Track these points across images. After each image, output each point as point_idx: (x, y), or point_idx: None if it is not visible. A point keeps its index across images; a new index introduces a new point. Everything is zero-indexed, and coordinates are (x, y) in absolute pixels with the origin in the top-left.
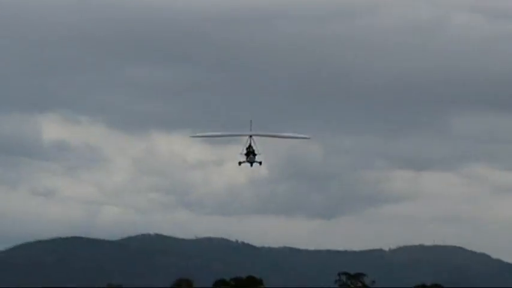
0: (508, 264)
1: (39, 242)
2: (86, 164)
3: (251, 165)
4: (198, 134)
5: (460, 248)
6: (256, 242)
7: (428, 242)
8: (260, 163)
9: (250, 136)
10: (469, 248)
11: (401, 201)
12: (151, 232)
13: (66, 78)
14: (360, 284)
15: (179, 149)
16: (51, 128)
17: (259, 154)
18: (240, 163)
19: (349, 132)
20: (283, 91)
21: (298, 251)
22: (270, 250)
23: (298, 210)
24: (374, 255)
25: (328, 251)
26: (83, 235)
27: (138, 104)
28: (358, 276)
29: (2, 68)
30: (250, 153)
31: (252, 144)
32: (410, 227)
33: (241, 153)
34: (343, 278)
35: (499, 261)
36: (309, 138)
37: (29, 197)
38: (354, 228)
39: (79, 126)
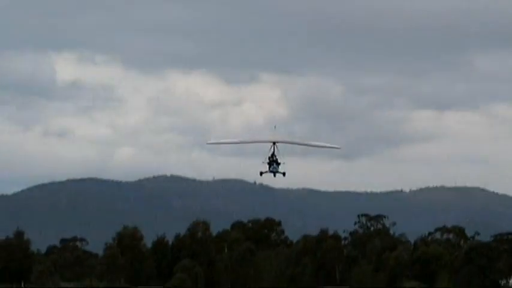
0: None
1: (53, 183)
2: (101, 104)
3: (274, 175)
4: (213, 141)
5: (481, 189)
6: (274, 184)
7: (449, 184)
8: (284, 174)
9: (274, 143)
10: (490, 189)
11: (422, 141)
12: (168, 173)
13: (81, 17)
14: (380, 226)
15: (196, 88)
16: (66, 68)
17: (283, 163)
18: (261, 173)
19: (369, 72)
20: (302, 31)
21: (317, 192)
22: (288, 191)
23: (317, 151)
24: (394, 196)
25: (348, 192)
26: (97, 176)
27: (155, 44)
28: (378, 217)
29: (17, 6)
30: (273, 162)
31: (276, 152)
32: (431, 168)
33: (263, 162)
34: (363, 219)
35: None
36: (339, 148)
37: (42, 137)
38: (374, 169)
39: (94, 66)
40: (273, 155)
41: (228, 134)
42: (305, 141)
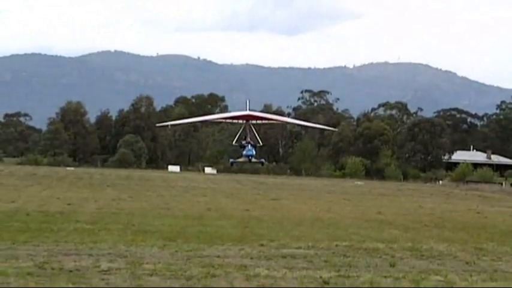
0: (473, 81)
1: None
2: None
3: (250, 160)
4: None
5: (425, 65)
6: (218, 59)
7: (393, 60)
8: (262, 163)
9: (247, 121)
10: (434, 65)
11: (366, 18)
12: (111, 49)
13: None
14: (323, 102)
15: None
16: None
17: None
18: (232, 163)
19: None
20: None
21: (261, 68)
22: (232, 67)
23: (262, 27)
24: (338, 72)
25: (291, 68)
26: (41, 51)
27: None
28: (321, 93)
29: None
30: (247, 144)
31: (249, 134)
32: (375, 44)
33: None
34: (306, 95)
35: (464, 79)
36: (336, 130)
37: None
38: (318, 45)
39: None
40: (245, 137)
41: (171, 9)
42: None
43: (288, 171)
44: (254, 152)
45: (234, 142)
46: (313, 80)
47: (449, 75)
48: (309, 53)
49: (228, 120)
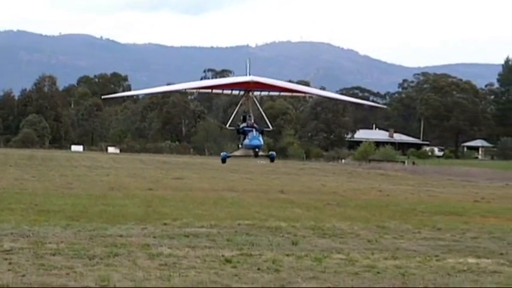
0: (376, 60)
1: None
2: None
3: (256, 154)
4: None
5: (327, 44)
6: (121, 39)
7: (295, 38)
8: (272, 159)
9: (249, 91)
10: (336, 44)
11: None
12: (14, 28)
13: None
14: None
15: None
16: None
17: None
18: (224, 159)
19: None
20: None
21: (164, 47)
22: (134, 46)
23: (164, 7)
24: (241, 51)
25: (194, 48)
26: None
27: None
28: (224, 72)
29: None
30: (250, 129)
31: (251, 110)
32: (278, 23)
33: (227, 127)
34: (209, 74)
35: (366, 58)
36: (386, 108)
37: None
38: (221, 24)
39: None
40: (246, 117)
41: None
42: (331, 94)
43: (191, 150)
44: (262, 141)
45: (227, 125)
46: (216, 59)
47: (352, 54)
48: (211, 32)
49: (222, 91)
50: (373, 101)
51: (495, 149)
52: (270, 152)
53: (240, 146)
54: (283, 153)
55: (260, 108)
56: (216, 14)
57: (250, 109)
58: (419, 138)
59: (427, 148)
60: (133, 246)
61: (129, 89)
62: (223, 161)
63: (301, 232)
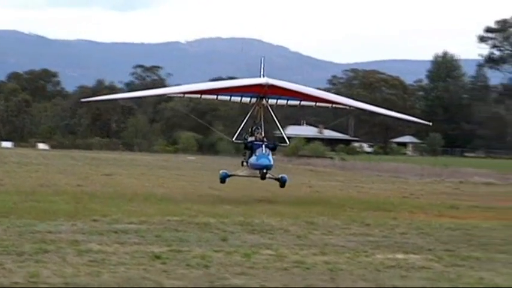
0: (306, 56)
1: None
2: None
3: (263, 176)
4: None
5: (257, 40)
6: (50, 35)
7: (226, 35)
8: (283, 183)
9: (262, 98)
10: (266, 40)
11: None
12: None
13: None
14: (155, 77)
15: None
16: None
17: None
18: (223, 179)
19: None
20: None
21: (93, 43)
22: (64, 42)
23: (94, 3)
24: (171, 47)
25: (124, 44)
26: None
27: None
28: (153, 68)
29: None
30: (257, 144)
31: (260, 119)
32: (208, 19)
33: (234, 141)
34: (139, 70)
35: (297, 54)
36: (430, 125)
37: None
38: (151, 20)
39: None
40: (256, 128)
41: None
42: (372, 108)
43: (121, 146)
44: (271, 160)
45: (234, 138)
46: (146, 56)
47: (282, 50)
48: (142, 28)
49: (230, 97)
50: None
51: (424, 145)
52: (281, 175)
53: (244, 163)
54: (212, 149)
55: (275, 119)
56: (146, 10)
57: (261, 120)
58: (348, 134)
59: (357, 144)
60: (62, 242)
61: (59, 84)
62: (223, 180)
63: (231, 228)
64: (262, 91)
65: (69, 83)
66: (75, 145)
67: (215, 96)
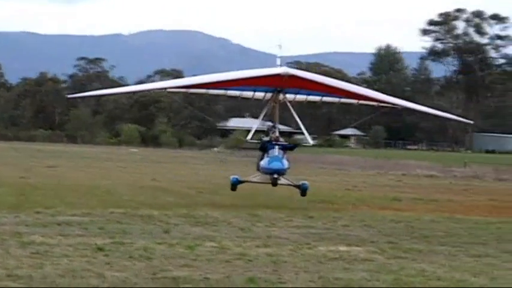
0: (248, 48)
1: None
2: None
3: (274, 182)
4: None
5: (199, 32)
6: None
7: (168, 27)
8: (304, 191)
9: (279, 92)
10: (208, 32)
11: None
12: None
13: None
14: (99, 69)
15: None
16: None
17: (311, 142)
18: (234, 185)
19: None
20: None
21: (37, 35)
22: (6, 34)
23: None
24: (113, 40)
25: (67, 36)
26: None
27: None
28: (97, 60)
29: None
30: (273, 143)
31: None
32: (150, 11)
33: (247, 141)
34: (82, 62)
35: (239, 46)
36: (472, 123)
37: None
38: (94, 12)
39: None
40: (271, 128)
41: None
42: (411, 105)
43: (65, 138)
44: (284, 164)
45: (249, 138)
46: (89, 48)
47: (224, 42)
48: (84, 20)
49: (241, 92)
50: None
51: (367, 137)
52: (302, 182)
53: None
54: (155, 141)
55: (295, 115)
56: (89, 2)
57: (276, 117)
58: (291, 126)
59: (299, 136)
60: (5, 234)
61: (2, 76)
62: (234, 187)
63: (174, 220)
64: (280, 83)
65: (13, 75)
66: (18, 137)
67: (223, 91)
